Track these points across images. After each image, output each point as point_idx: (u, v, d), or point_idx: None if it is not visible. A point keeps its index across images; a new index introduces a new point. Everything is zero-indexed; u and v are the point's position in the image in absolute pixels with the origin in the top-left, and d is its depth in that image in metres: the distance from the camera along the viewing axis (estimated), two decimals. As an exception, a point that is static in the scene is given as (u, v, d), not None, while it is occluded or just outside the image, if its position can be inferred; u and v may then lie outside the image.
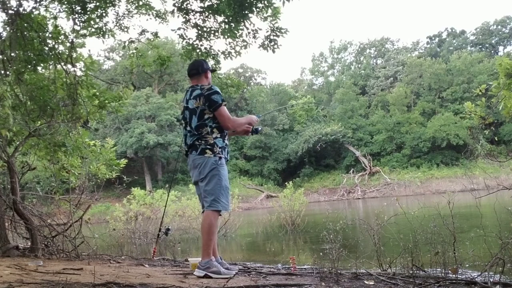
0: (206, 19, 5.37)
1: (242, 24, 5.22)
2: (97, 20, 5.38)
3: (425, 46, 49.65)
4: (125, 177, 6.93)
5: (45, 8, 5.12)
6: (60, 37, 5.03)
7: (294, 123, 42.40)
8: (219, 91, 3.34)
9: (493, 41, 45.47)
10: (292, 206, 11.02)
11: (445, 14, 79.34)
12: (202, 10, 5.28)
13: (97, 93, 5.22)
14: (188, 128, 3.34)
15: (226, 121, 3.31)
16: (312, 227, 10.43)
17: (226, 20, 5.20)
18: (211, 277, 3.08)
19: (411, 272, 2.94)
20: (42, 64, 5.08)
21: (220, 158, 3.28)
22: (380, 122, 39.79)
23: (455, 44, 46.96)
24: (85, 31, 5.37)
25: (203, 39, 5.51)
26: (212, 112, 3.27)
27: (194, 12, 5.35)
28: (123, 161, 6.11)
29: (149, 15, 5.81)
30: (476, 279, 2.72)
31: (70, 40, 5.03)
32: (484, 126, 5.54)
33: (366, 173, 35.44)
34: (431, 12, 78.56)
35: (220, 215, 3.38)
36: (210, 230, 3.21)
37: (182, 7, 5.31)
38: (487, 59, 39.07)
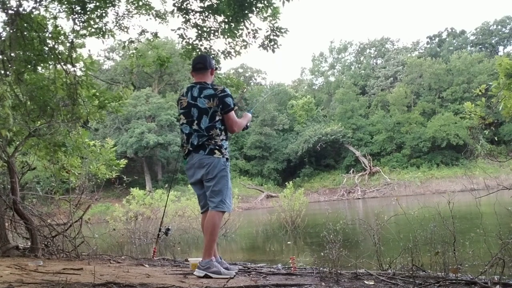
0: (206, 19, 5.37)
1: (242, 24, 5.21)
2: (97, 20, 5.37)
3: (425, 46, 49.67)
4: (125, 177, 6.93)
5: (45, 8, 5.12)
6: (60, 37, 5.02)
7: (294, 123, 42.42)
8: (231, 95, 3.34)
9: (493, 41, 45.46)
10: (292, 206, 11.02)
11: (445, 14, 79.47)
12: (202, 10, 5.27)
13: (97, 93, 5.21)
14: (195, 127, 3.27)
15: (233, 125, 3.33)
16: (312, 227, 10.43)
17: (226, 20, 5.19)
18: (211, 277, 3.08)
19: (411, 272, 2.94)
20: (42, 64, 5.07)
21: (227, 159, 3.31)
22: (380, 122, 39.81)
23: (455, 44, 46.95)
24: (85, 31, 5.36)
25: (203, 39, 5.50)
26: (222, 114, 3.27)
27: (194, 12, 5.35)
28: (123, 161, 6.11)
29: (149, 15, 5.80)
30: (476, 279, 2.72)
31: (70, 40, 5.03)
32: (484, 126, 5.54)
33: (366, 173, 35.46)
34: (431, 12, 78.65)
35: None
36: (214, 231, 3.21)
37: (182, 7, 5.31)
38: (487, 59, 39.07)
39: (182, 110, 3.37)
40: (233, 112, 3.31)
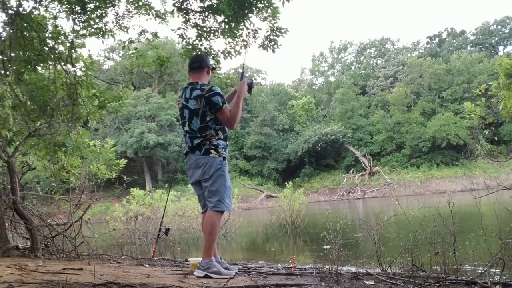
0: (206, 19, 5.37)
1: (242, 24, 5.21)
2: (97, 20, 5.37)
3: (425, 46, 49.67)
4: (125, 177, 6.94)
5: (45, 8, 5.12)
6: (60, 37, 5.02)
7: (294, 123, 42.42)
8: (220, 92, 3.26)
9: (493, 41, 45.46)
10: (292, 206, 11.02)
11: (445, 14, 79.44)
12: (202, 10, 5.27)
13: (97, 93, 5.21)
14: (187, 128, 3.28)
15: (228, 123, 3.28)
16: (312, 227, 10.43)
17: (226, 20, 5.20)
18: (211, 277, 3.08)
19: (411, 272, 2.94)
20: (42, 64, 5.07)
21: (224, 158, 3.28)
22: (380, 122, 39.81)
23: (455, 44, 46.94)
24: (85, 31, 5.36)
25: (203, 39, 5.50)
26: (213, 114, 3.24)
27: (194, 12, 5.35)
28: (122, 161, 6.12)
29: (149, 15, 5.80)
30: (476, 279, 2.72)
31: (70, 40, 5.03)
32: (484, 126, 5.54)
33: (366, 173, 35.47)
34: (431, 12, 78.64)
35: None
36: (213, 231, 3.20)
37: (182, 7, 5.31)
38: (487, 59, 39.06)
39: (179, 111, 3.41)
40: (224, 109, 3.21)
